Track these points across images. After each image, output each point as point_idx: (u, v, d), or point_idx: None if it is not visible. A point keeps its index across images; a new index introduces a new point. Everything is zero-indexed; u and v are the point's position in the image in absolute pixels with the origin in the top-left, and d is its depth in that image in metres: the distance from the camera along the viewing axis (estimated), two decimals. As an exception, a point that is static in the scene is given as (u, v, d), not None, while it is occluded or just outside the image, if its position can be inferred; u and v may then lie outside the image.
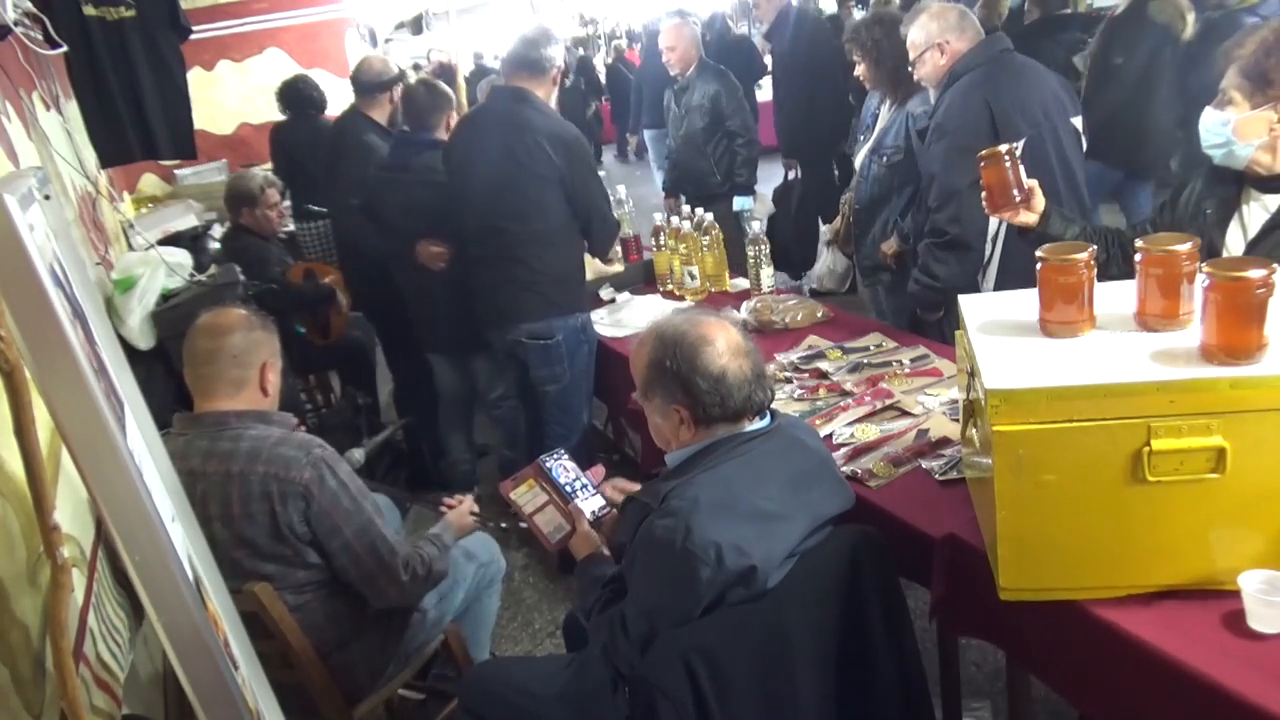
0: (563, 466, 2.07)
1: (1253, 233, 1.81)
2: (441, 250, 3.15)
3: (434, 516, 2.37)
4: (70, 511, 1.75)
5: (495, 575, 2.47)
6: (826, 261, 3.67)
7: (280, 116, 4.96)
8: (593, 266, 3.42)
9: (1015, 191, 1.95)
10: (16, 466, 1.46)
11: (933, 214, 2.65)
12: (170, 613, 1.05)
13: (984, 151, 1.97)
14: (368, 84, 3.70)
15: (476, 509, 2.35)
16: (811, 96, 4.89)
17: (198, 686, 1.08)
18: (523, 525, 2.44)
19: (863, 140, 3.36)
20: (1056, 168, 2.59)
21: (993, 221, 2.53)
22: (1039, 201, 1.99)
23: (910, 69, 2.79)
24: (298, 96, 5.09)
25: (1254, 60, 1.70)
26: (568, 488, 2.03)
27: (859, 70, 3.18)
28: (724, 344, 1.62)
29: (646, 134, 7.35)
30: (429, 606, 2.21)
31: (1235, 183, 1.84)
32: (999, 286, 2.54)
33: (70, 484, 1.77)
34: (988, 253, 2.63)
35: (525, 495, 2.06)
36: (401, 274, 3.33)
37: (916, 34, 2.72)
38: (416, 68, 8.88)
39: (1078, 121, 2.73)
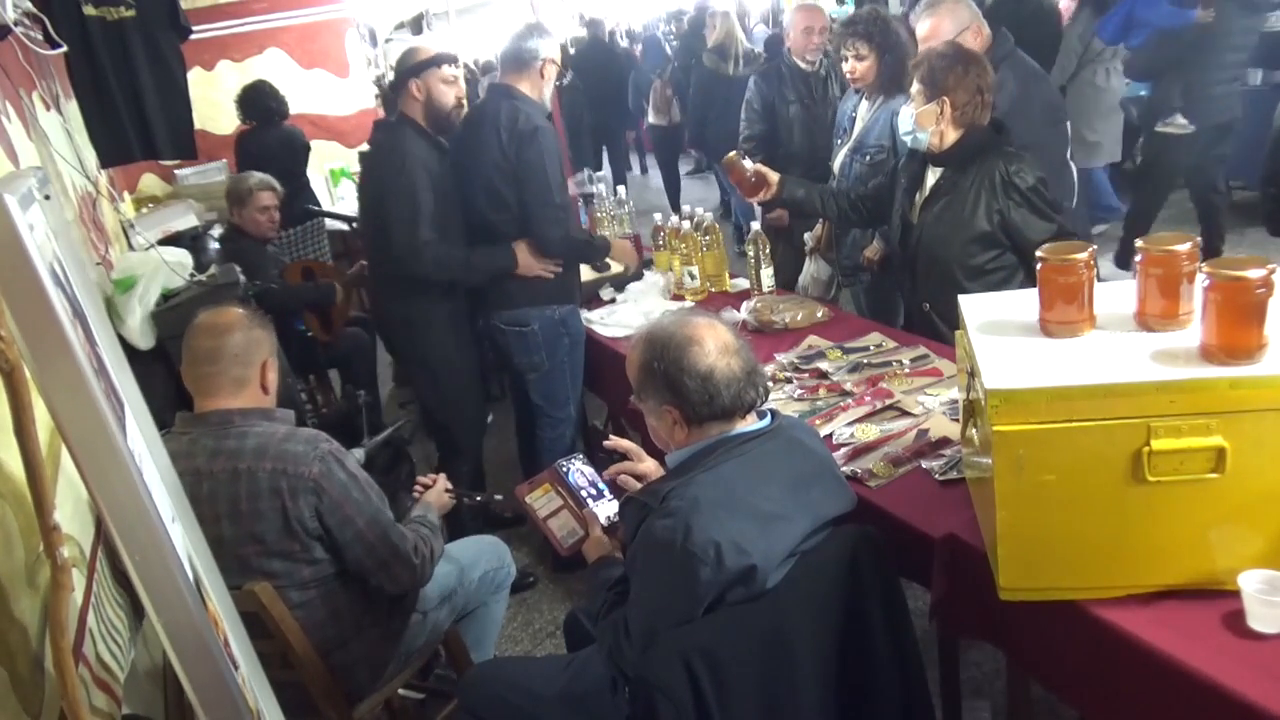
0: (580, 471, 2.08)
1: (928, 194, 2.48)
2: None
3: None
4: (70, 511, 1.75)
5: (504, 581, 2.47)
6: (810, 270, 3.68)
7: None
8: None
9: (752, 178, 2.85)
10: (16, 466, 1.45)
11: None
12: (170, 613, 1.05)
13: (722, 161, 2.93)
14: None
15: (450, 485, 2.39)
16: None
17: (198, 686, 1.08)
18: (476, 499, 2.57)
19: (840, 142, 3.35)
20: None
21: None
22: (773, 178, 2.85)
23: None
24: (261, 103, 5.08)
25: (926, 69, 2.36)
26: (583, 493, 2.03)
27: (853, 66, 3.14)
28: (712, 344, 1.62)
29: None
30: (430, 607, 2.21)
31: (922, 161, 2.52)
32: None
33: (70, 484, 1.77)
34: None
35: (540, 499, 2.07)
36: None
37: (946, 20, 2.74)
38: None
39: None
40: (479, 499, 2.61)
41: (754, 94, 3.87)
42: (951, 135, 2.39)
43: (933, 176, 2.49)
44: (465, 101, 3.04)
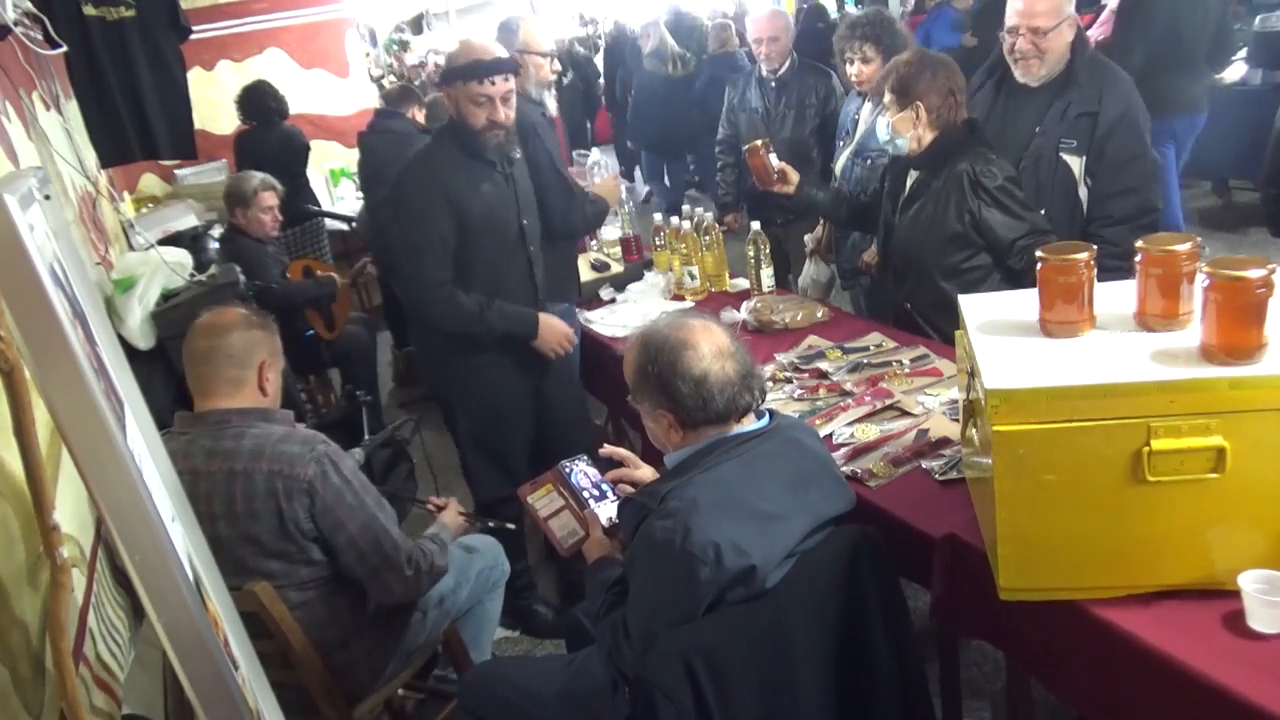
0: (583, 473, 2.07)
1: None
2: None
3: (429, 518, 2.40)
4: (70, 511, 1.75)
5: (499, 579, 2.48)
6: (810, 272, 3.70)
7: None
8: (586, 263, 3.48)
9: (774, 174, 2.86)
10: (16, 466, 1.45)
11: (1137, 192, 2.50)
12: (170, 613, 1.05)
13: (746, 146, 2.93)
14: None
15: (463, 509, 2.39)
16: None
17: (198, 686, 1.08)
18: (489, 524, 2.53)
19: (842, 145, 3.34)
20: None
21: None
22: (794, 176, 2.87)
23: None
24: (261, 104, 5.09)
25: (895, 79, 2.43)
26: (585, 493, 2.03)
27: (859, 69, 3.13)
28: (706, 347, 1.61)
29: None
30: (430, 606, 2.21)
31: (905, 165, 2.58)
32: None
33: (70, 484, 1.77)
34: None
35: (542, 499, 2.06)
36: None
37: (1046, 7, 2.47)
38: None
39: None
40: (491, 525, 2.55)
41: (725, 101, 4.08)
42: (929, 137, 2.44)
43: (911, 179, 2.55)
44: (505, 121, 2.53)
